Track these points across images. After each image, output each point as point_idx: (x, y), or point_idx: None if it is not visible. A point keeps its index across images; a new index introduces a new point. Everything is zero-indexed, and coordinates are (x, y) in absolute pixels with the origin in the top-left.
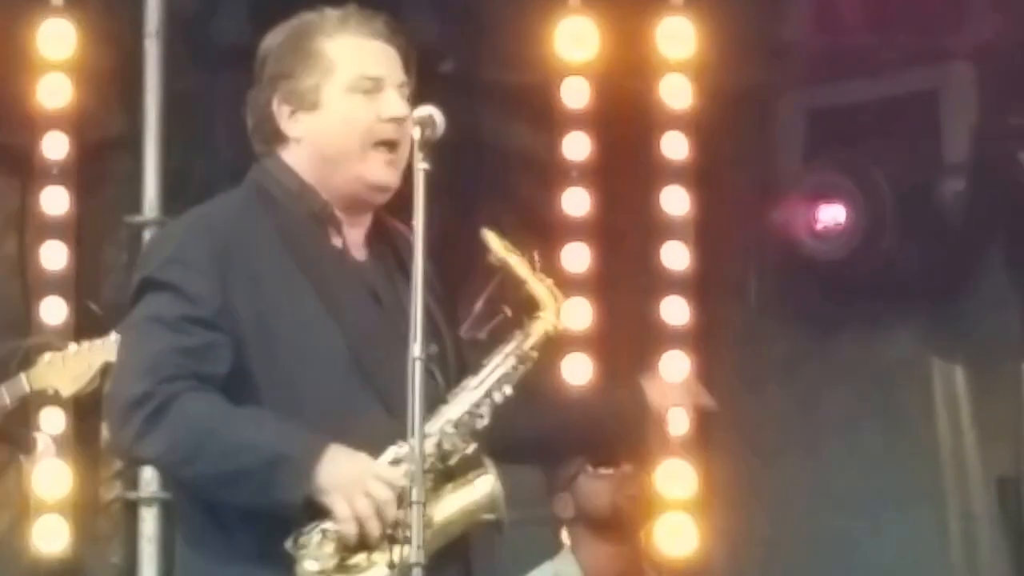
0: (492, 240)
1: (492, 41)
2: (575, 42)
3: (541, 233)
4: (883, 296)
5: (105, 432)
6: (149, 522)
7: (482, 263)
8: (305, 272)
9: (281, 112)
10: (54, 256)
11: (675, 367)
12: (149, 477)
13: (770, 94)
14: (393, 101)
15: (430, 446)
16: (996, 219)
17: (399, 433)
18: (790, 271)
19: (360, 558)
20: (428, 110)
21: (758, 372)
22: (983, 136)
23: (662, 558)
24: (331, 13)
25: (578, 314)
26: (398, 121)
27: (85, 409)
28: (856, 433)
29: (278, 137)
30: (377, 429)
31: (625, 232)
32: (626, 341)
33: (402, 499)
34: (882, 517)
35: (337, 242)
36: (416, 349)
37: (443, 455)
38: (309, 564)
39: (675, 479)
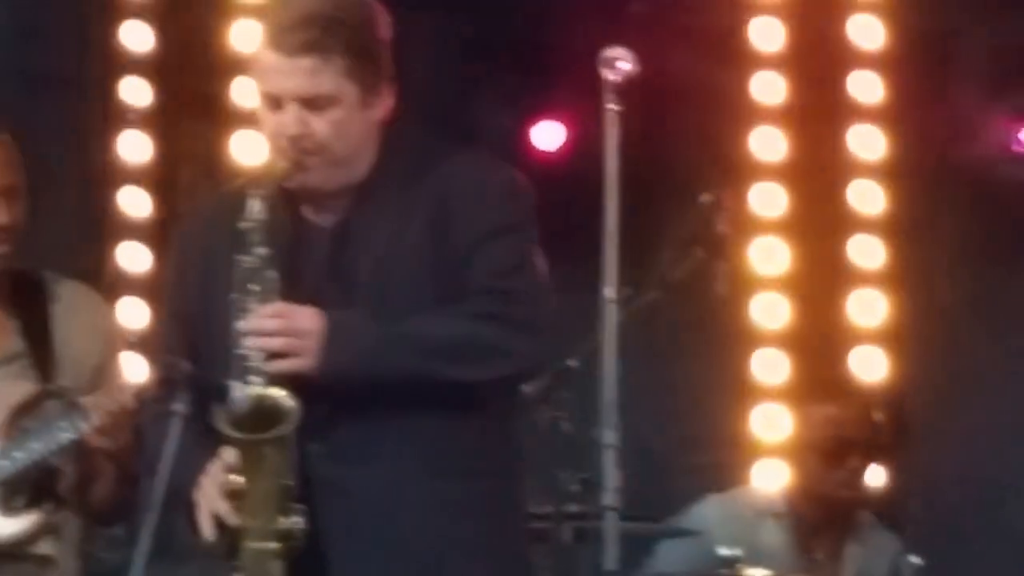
0: None
1: None
2: None
3: (732, 173)
4: None
5: None
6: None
7: (669, 204)
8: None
9: None
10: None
11: (867, 305)
12: None
13: (962, 32)
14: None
15: None
16: None
17: None
18: (984, 204)
19: None
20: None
21: (951, 307)
22: None
23: None
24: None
25: (774, 256)
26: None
27: None
28: None
29: None
30: None
31: (816, 172)
32: (820, 281)
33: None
34: None
35: (308, 213)
36: None
37: None
38: None
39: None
